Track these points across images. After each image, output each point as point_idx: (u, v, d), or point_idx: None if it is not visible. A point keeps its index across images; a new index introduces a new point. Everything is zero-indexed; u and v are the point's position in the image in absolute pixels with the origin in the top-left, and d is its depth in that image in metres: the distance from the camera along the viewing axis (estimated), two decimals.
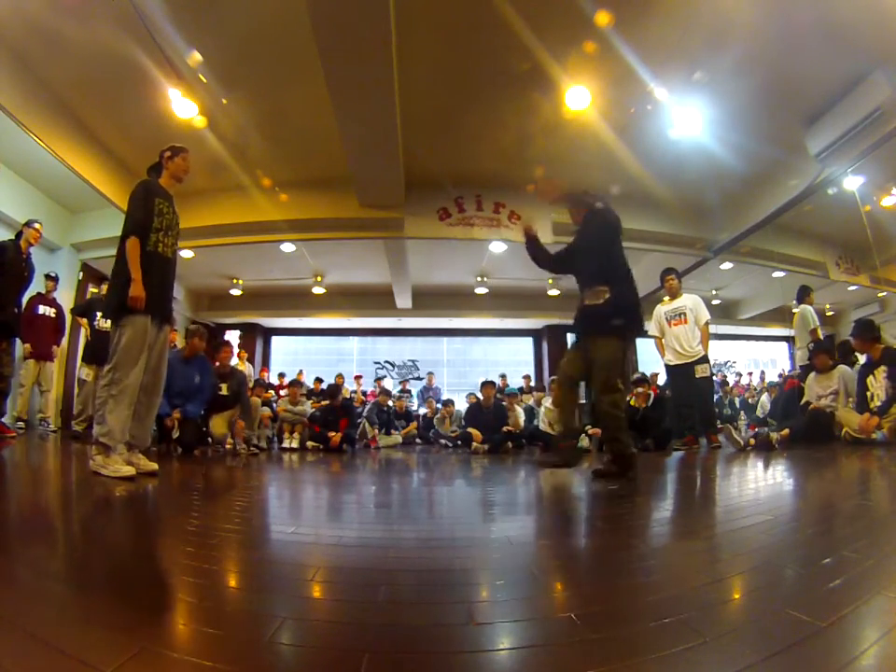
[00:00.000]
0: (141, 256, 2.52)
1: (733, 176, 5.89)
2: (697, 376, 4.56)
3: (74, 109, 4.98)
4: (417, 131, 5.09)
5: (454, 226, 6.35)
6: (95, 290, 6.66)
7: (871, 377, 4.25)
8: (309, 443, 5.43)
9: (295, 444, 5.44)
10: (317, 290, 9.28)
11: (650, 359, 5.75)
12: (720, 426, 4.75)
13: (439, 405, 7.30)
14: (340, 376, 8.31)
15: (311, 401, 6.90)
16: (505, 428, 5.44)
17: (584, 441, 5.16)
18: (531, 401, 7.34)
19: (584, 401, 6.39)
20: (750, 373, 11.74)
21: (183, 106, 4.44)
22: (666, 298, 4.96)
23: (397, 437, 6.60)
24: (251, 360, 9.88)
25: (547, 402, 5.74)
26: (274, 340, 11.98)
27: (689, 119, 4.89)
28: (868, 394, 4.22)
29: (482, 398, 5.89)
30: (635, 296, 2.88)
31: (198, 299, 10.18)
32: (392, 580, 1.12)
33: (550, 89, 4.48)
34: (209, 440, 4.64)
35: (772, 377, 10.75)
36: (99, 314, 5.22)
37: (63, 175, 5.35)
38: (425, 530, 1.75)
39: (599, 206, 3.04)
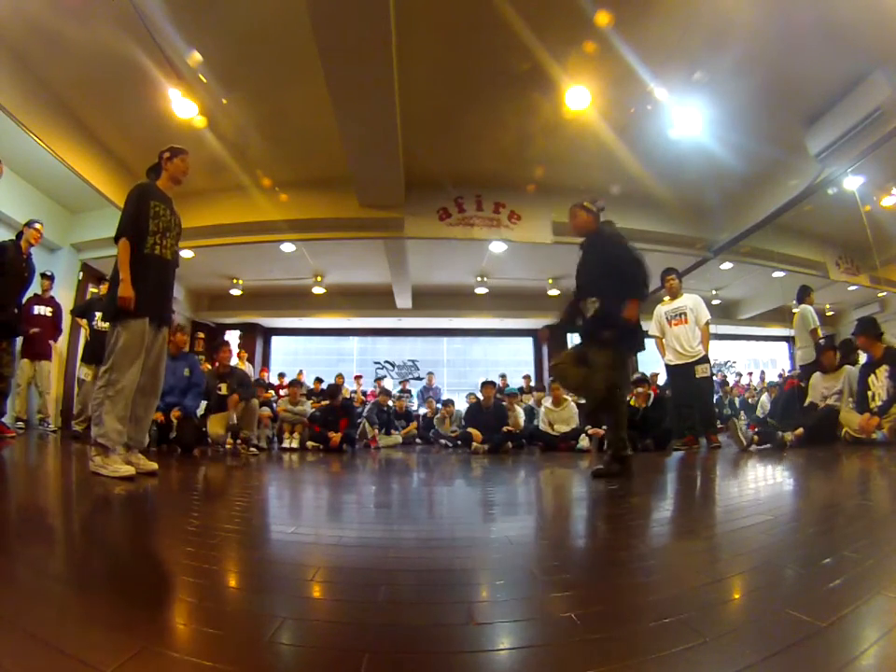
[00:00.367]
0: (139, 258, 2.53)
1: (733, 176, 5.89)
2: (697, 376, 4.56)
3: (74, 109, 4.98)
4: (417, 131, 5.09)
5: (454, 226, 6.35)
6: (95, 290, 6.66)
7: (872, 376, 4.23)
8: (309, 443, 5.43)
9: (295, 444, 5.44)
10: (317, 290, 9.28)
11: (650, 359, 5.74)
12: (724, 422, 4.74)
13: (439, 405, 7.30)
14: (340, 376, 8.31)
15: (311, 401, 6.90)
16: (505, 428, 5.44)
17: (584, 442, 5.17)
18: (531, 401, 7.34)
19: (584, 402, 6.41)
20: (750, 373, 11.73)
21: (183, 106, 4.44)
22: (667, 298, 4.96)
23: (397, 437, 6.60)
24: (251, 360, 9.87)
25: (547, 402, 5.75)
26: (274, 340, 11.97)
27: (689, 119, 4.88)
28: (869, 393, 4.20)
29: (482, 398, 5.89)
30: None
31: (198, 299, 10.18)
32: (392, 580, 1.12)
33: (550, 89, 4.48)
34: (208, 440, 4.64)
35: (772, 377, 10.75)
36: (98, 314, 5.22)
37: (63, 174, 5.34)
38: (425, 530, 1.75)
39: (609, 225, 3.07)
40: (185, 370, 4.58)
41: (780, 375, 10.29)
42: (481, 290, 9.37)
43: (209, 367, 5.52)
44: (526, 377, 9.28)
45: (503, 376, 8.68)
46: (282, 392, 7.46)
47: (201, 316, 10.25)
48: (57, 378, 6.03)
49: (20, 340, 4.74)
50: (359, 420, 6.19)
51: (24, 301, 4.57)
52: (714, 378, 5.73)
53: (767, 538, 1.41)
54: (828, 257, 7.83)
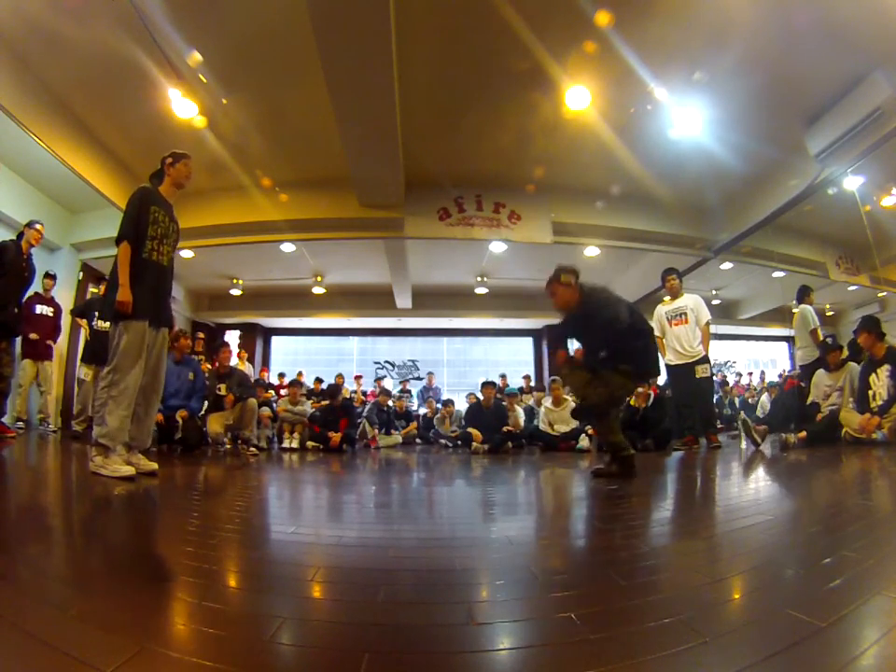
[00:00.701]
0: (136, 263, 2.54)
1: (733, 176, 5.89)
2: (698, 376, 4.56)
3: (74, 109, 4.98)
4: (417, 131, 5.09)
5: (454, 226, 6.35)
6: (95, 290, 6.66)
7: (874, 375, 4.23)
8: (309, 443, 5.43)
9: (295, 444, 5.44)
10: (317, 290, 9.28)
11: None
12: (724, 422, 4.76)
13: (439, 405, 7.30)
14: (340, 376, 8.31)
15: (311, 401, 6.90)
16: (505, 428, 5.44)
17: (584, 442, 5.17)
18: (531, 401, 7.34)
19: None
20: (750, 373, 11.72)
21: (183, 106, 4.44)
22: (667, 298, 4.96)
23: (397, 437, 6.60)
24: (251, 360, 9.87)
25: (547, 402, 5.74)
26: (274, 340, 11.97)
27: (689, 119, 4.88)
28: (870, 392, 4.20)
29: (482, 398, 5.88)
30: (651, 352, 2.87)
31: (198, 299, 10.18)
32: (392, 580, 1.12)
33: (550, 89, 4.47)
34: (208, 440, 4.67)
35: (772, 377, 10.74)
36: (97, 314, 5.23)
37: (63, 174, 5.34)
38: (425, 530, 1.75)
39: (590, 287, 2.89)
40: (189, 374, 4.67)
41: (780, 375, 10.29)
42: (481, 290, 9.37)
43: (209, 367, 5.54)
44: (526, 377, 9.28)
45: (503, 376, 8.67)
46: (282, 392, 7.46)
47: (201, 316, 10.25)
48: (57, 378, 6.03)
49: (20, 340, 4.74)
50: (359, 420, 6.19)
51: (25, 299, 4.58)
52: (714, 378, 5.73)
53: (767, 538, 1.41)
54: (828, 257, 7.83)
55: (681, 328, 4.69)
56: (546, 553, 1.41)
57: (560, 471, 3.58)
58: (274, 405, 6.30)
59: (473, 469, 3.85)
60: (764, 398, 8.91)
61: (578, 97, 4.51)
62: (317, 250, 7.58)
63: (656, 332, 4.86)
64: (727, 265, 8.02)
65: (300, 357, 11.63)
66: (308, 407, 6.18)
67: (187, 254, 7.04)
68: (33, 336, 5.08)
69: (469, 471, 3.73)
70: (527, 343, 12.11)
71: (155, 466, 2.62)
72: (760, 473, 3.08)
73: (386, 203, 6.06)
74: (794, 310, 5.49)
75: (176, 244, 2.85)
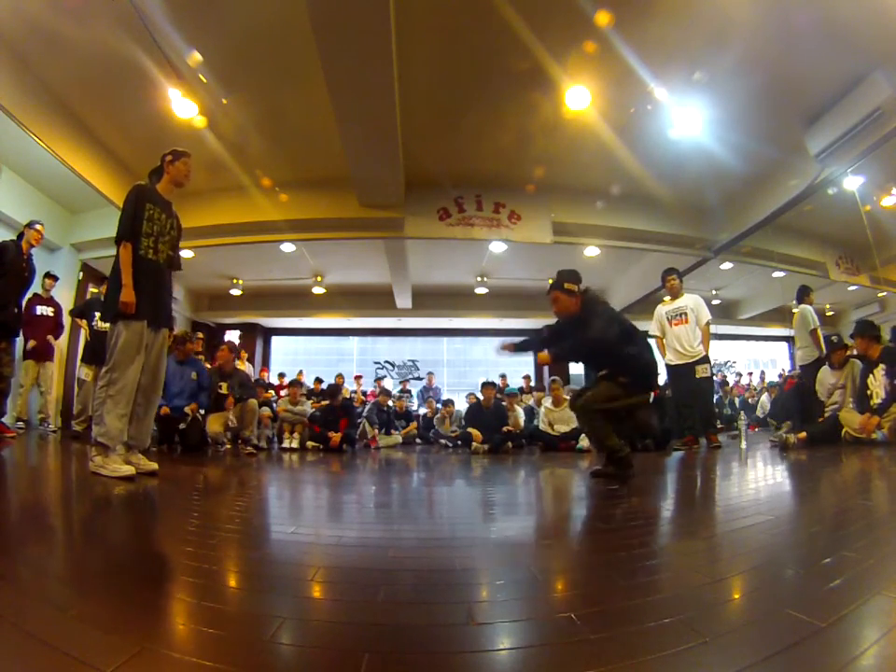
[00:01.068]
0: (133, 262, 2.53)
1: (733, 176, 5.89)
2: (698, 376, 4.57)
3: (74, 109, 4.98)
4: (417, 131, 5.09)
5: (454, 226, 6.35)
6: (95, 290, 6.66)
7: (871, 377, 4.26)
8: (309, 443, 5.43)
9: (295, 444, 5.44)
10: (317, 290, 9.27)
11: None
12: (724, 422, 4.75)
13: (439, 405, 7.30)
14: (340, 376, 8.31)
15: (311, 401, 6.90)
16: (505, 428, 5.44)
17: (584, 442, 5.17)
18: (531, 401, 7.34)
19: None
20: (750, 373, 11.73)
21: (183, 106, 4.44)
22: (667, 298, 4.96)
23: (397, 437, 6.60)
24: (251, 360, 9.87)
25: (547, 402, 5.74)
26: (274, 340, 11.97)
27: (689, 119, 4.88)
28: (868, 393, 4.23)
29: (482, 398, 5.88)
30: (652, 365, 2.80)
31: (198, 299, 10.17)
32: (392, 580, 1.12)
33: (550, 89, 4.47)
34: (209, 440, 4.67)
35: (772, 377, 10.75)
36: (97, 314, 5.23)
37: (63, 174, 5.34)
38: (425, 530, 1.75)
39: (591, 296, 2.86)
40: (192, 374, 4.69)
41: (780, 375, 10.29)
42: (481, 290, 9.37)
43: (209, 365, 5.56)
44: (526, 377, 9.29)
45: (503, 376, 8.67)
46: (282, 392, 7.45)
47: (201, 316, 10.25)
48: (57, 378, 6.02)
49: (20, 341, 4.74)
50: (359, 420, 6.20)
51: (26, 300, 4.58)
52: (714, 378, 5.73)
53: (767, 538, 1.41)
54: (828, 257, 7.83)
55: (681, 327, 4.69)
56: (546, 553, 1.41)
57: (560, 471, 3.58)
58: (274, 405, 6.30)
59: (473, 469, 3.85)
60: (764, 398, 8.92)
61: (578, 97, 4.51)
62: (317, 250, 7.58)
63: (656, 332, 4.87)
64: (727, 265, 8.02)
65: (300, 357, 11.62)
66: (308, 407, 6.18)
67: (187, 254, 7.03)
68: (31, 343, 5.09)
69: (468, 471, 3.73)
70: None
71: (155, 466, 2.62)
72: (760, 473, 3.08)
73: (386, 203, 6.05)
74: (794, 310, 5.49)
75: (178, 241, 2.84)
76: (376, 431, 6.34)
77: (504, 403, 5.88)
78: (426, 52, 4.22)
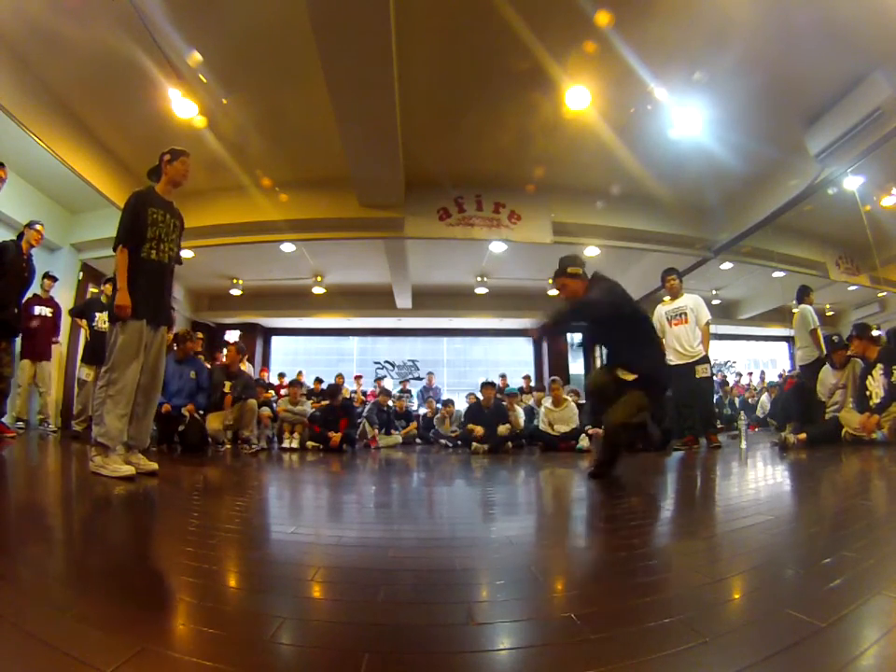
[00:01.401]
0: (135, 264, 2.56)
1: (733, 176, 5.89)
2: (698, 376, 4.57)
3: (74, 109, 4.98)
4: (417, 131, 5.08)
5: (454, 226, 6.35)
6: (95, 290, 6.66)
7: (870, 377, 4.27)
8: (309, 443, 5.43)
9: (295, 444, 5.44)
10: (317, 290, 9.27)
11: None
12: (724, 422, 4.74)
13: (439, 405, 7.30)
14: (340, 376, 8.30)
15: (311, 401, 6.90)
16: (504, 428, 5.43)
17: (584, 442, 5.17)
18: (531, 401, 7.34)
19: (584, 402, 6.40)
20: (750, 373, 11.73)
21: (183, 106, 4.44)
22: (667, 298, 4.96)
23: (397, 437, 6.60)
24: (251, 360, 9.87)
25: (547, 402, 5.74)
26: (274, 340, 11.97)
27: (689, 119, 4.88)
28: (867, 393, 4.23)
29: (482, 398, 5.88)
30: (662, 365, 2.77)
31: (198, 299, 10.17)
32: (392, 580, 1.12)
33: (550, 89, 4.47)
34: (209, 440, 4.68)
35: (772, 377, 10.75)
36: (98, 314, 5.23)
37: (63, 174, 5.34)
38: (425, 530, 1.75)
39: (598, 275, 2.83)
40: (191, 373, 4.71)
41: (780, 375, 10.29)
42: (481, 290, 9.36)
43: (215, 364, 5.60)
44: (526, 377, 9.28)
45: (503, 376, 8.67)
46: (282, 392, 7.45)
47: (201, 316, 10.25)
48: (57, 378, 6.02)
49: (19, 341, 4.73)
50: (359, 420, 6.20)
51: (24, 301, 4.58)
52: (714, 378, 5.74)
53: (767, 538, 1.41)
54: (828, 257, 7.82)
55: (681, 327, 4.69)
56: (546, 553, 1.41)
57: (560, 471, 3.58)
58: (274, 405, 6.30)
59: (473, 468, 3.85)
60: (764, 398, 8.92)
61: (578, 97, 4.51)
62: (317, 250, 7.58)
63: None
64: (727, 265, 8.02)
65: (300, 357, 11.62)
66: (308, 407, 6.18)
67: (187, 254, 7.02)
68: (34, 325, 5.08)
69: (469, 471, 3.73)
70: (527, 343, 12.11)
71: (155, 466, 2.62)
72: (760, 473, 3.08)
73: (386, 203, 6.05)
74: (794, 310, 5.49)
75: (181, 237, 2.85)
76: (376, 431, 6.34)
77: (504, 403, 5.88)
78: (426, 52, 4.22)
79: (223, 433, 4.75)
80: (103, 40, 3.98)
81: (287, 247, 7.34)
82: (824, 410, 4.70)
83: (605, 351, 3.03)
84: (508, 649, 0.79)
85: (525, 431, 5.76)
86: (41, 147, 4.78)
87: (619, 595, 0.99)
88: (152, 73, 4.24)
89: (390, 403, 7.03)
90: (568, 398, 5.70)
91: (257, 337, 11.18)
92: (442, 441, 6.38)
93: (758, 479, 2.89)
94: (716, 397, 7.38)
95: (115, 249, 2.57)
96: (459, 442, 5.75)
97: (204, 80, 4.37)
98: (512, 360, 11.85)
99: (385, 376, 11.56)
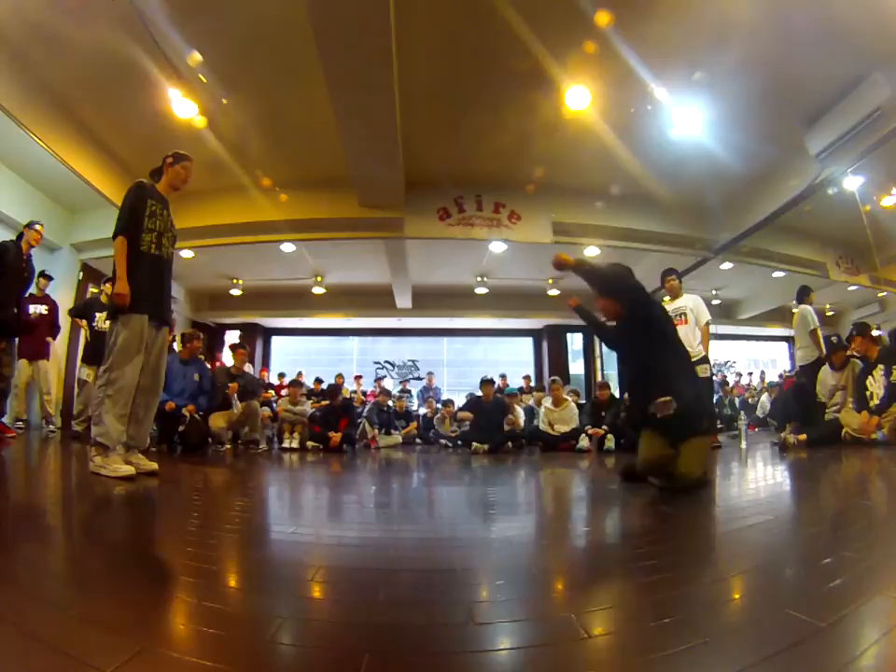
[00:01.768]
0: (135, 256, 2.53)
1: (733, 176, 5.88)
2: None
3: (74, 109, 4.97)
4: (417, 131, 5.08)
5: (454, 226, 6.35)
6: (95, 290, 6.65)
7: (870, 377, 4.27)
8: (309, 443, 5.43)
9: (295, 444, 5.44)
10: (317, 290, 9.27)
11: None
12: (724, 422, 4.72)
13: (439, 405, 7.30)
14: (340, 376, 8.31)
15: (311, 401, 6.90)
16: (506, 427, 5.43)
17: (584, 442, 5.17)
18: (531, 401, 7.34)
19: (584, 402, 6.40)
20: (750, 373, 11.73)
21: (183, 106, 4.44)
22: (667, 298, 4.96)
23: (397, 437, 6.60)
24: (251, 360, 9.87)
25: (547, 402, 5.74)
26: (274, 340, 11.97)
27: (689, 119, 4.88)
28: (868, 394, 4.23)
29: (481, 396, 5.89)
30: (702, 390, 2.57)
31: (198, 299, 10.17)
32: (392, 580, 1.12)
33: (550, 89, 4.47)
34: (210, 439, 4.68)
35: (772, 377, 10.75)
36: (98, 314, 5.22)
37: (63, 175, 5.34)
38: (425, 530, 1.75)
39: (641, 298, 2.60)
40: (195, 375, 4.71)
41: (780, 375, 10.29)
42: (481, 290, 9.36)
43: (221, 364, 5.65)
44: (526, 377, 9.28)
45: (503, 376, 8.67)
46: (282, 392, 7.45)
47: (201, 316, 10.25)
48: (57, 378, 6.02)
49: (17, 340, 4.73)
50: (359, 420, 6.19)
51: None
52: (714, 378, 5.74)
53: (767, 538, 1.41)
54: (828, 257, 7.82)
55: (681, 328, 4.67)
56: (546, 553, 1.41)
57: (560, 471, 3.58)
58: (274, 405, 6.30)
59: (473, 469, 3.85)
60: (764, 398, 8.92)
61: (578, 97, 4.51)
62: (317, 250, 7.58)
63: None
64: (727, 265, 8.02)
65: (300, 357, 11.61)
66: (308, 407, 6.19)
67: (187, 254, 7.04)
68: (33, 317, 5.06)
69: (469, 471, 3.73)
70: (527, 343, 12.11)
71: (155, 466, 2.61)
72: (760, 473, 3.08)
73: (386, 203, 6.05)
74: (794, 310, 5.48)
75: (174, 239, 2.85)
76: (376, 431, 6.34)
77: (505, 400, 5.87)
78: (426, 52, 4.22)
79: (226, 432, 4.77)
80: (103, 40, 3.98)
81: (287, 247, 7.34)
82: (824, 410, 4.70)
83: (625, 371, 2.79)
84: (508, 649, 0.79)
85: (524, 431, 5.76)
86: (41, 147, 4.78)
87: (619, 594, 0.99)
88: (152, 73, 4.24)
89: (390, 403, 7.03)
90: (568, 398, 5.70)
91: (257, 337, 11.18)
92: (442, 441, 6.38)
93: (758, 479, 2.89)
94: (716, 397, 7.38)
95: (114, 238, 2.54)
96: (459, 442, 5.75)
97: (204, 80, 4.37)
98: (512, 360, 11.85)
99: (385, 376, 11.56)
